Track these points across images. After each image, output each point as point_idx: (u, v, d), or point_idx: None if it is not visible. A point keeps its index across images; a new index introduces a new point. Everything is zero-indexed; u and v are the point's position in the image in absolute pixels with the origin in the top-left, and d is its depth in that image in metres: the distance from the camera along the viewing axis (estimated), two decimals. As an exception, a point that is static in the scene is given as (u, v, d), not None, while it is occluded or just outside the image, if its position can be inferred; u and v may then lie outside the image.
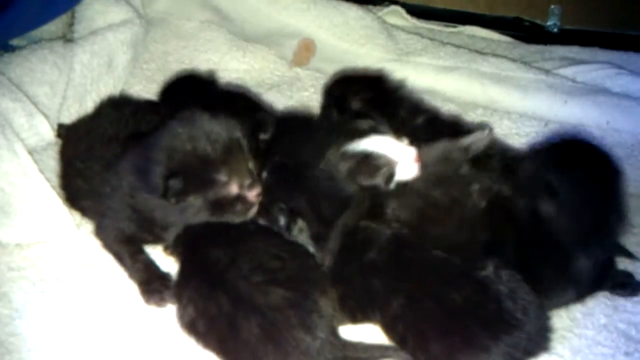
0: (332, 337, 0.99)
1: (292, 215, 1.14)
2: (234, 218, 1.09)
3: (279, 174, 1.21)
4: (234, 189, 1.08)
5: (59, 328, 1.06)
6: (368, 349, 1.05)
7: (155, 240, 1.17)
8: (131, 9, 1.64)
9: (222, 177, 1.06)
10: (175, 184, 1.03)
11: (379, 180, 1.19)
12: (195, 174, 1.05)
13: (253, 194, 1.09)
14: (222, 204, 1.08)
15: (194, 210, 1.07)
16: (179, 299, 1.04)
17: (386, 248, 1.10)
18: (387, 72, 1.54)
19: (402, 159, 1.18)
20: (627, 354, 1.09)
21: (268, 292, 0.98)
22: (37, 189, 1.21)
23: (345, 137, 1.24)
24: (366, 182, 1.19)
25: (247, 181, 1.08)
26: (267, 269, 1.01)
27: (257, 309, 0.96)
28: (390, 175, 1.18)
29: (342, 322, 1.06)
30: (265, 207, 1.15)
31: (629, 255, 1.29)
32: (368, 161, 1.19)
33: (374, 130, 1.25)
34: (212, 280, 1.01)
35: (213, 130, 1.07)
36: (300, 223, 1.15)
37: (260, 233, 1.13)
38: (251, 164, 1.11)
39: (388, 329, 1.06)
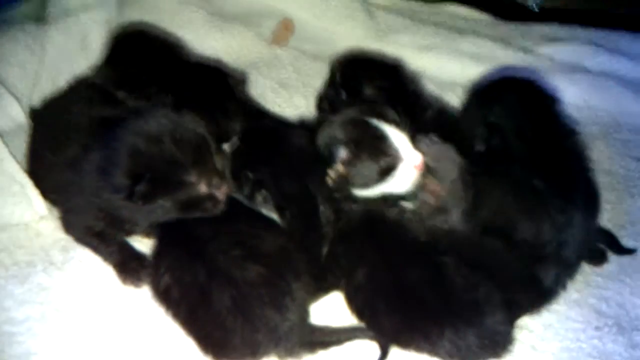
0: (301, 322, 1.01)
1: (256, 185, 1.14)
2: (202, 215, 1.08)
3: (249, 142, 1.21)
4: (202, 188, 1.06)
5: (33, 313, 1.06)
6: (335, 332, 1.06)
7: (127, 234, 1.17)
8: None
9: (191, 178, 1.05)
10: (141, 187, 1.02)
11: (374, 167, 1.16)
12: (163, 176, 1.04)
13: (221, 192, 1.08)
14: (191, 204, 1.07)
15: (163, 210, 1.06)
16: (156, 268, 1.04)
17: (357, 220, 1.12)
18: (403, 63, 1.50)
19: (408, 162, 1.17)
20: (597, 328, 1.11)
21: (245, 267, 0.99)
22: (8, 172, 1.20)
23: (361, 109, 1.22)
24: (362, 161, 1.16)
25: (216, 180, 1.07)
26: (247, 245, 1.02)
27: (232, 281, 0.97)
28: (388, 169, 1.16)
29: (313, 301, 1.07)
30: (232, 174, 1.15)
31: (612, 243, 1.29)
32: (378, 142, 1.17)
33: (395, 122, 1.20)
34: (191, 252, 1.02)
35: (179, 130, 1.05)
36: (264, 193, 1.14)
37: (243, 212, 1.13)
38: (219, 161, 1.10)
39: (349, 300, 1.08)
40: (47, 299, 1.08)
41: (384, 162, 1.16)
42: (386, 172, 1.16)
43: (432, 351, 1.01)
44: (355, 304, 1.07)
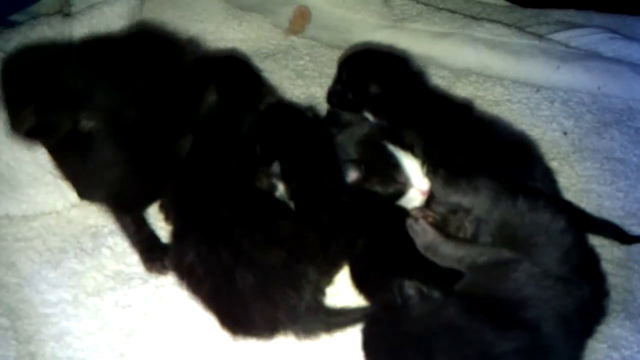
0: (318, 302, 1.08)
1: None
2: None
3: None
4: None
5: (66, 295, 1.13)
6: (351, 313, 1.11)
7: None
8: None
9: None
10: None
11: (382, 189, 1.22)
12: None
13: None
14: None
15: None
16: (180, 245, 1.11)
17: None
18: (410, 57, 1.51)
19: (415, 189, 1.21)
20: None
21: (268, 250, 1.06)
22: (41, 163, 1.26)
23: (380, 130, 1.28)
24: (372, 183, 1.22)
25: None
26: (268, 230, 1.09)
27: (255, 264, 1.04)
28: (398, 194, 1.22)
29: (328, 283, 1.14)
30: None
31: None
32: (390, 169, 1.22)
33: (410, 148, 1.26)
34: (216, 235, 1.08)
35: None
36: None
37: (265, 197, 1.20)
38: None
39: (350, 271, 1.15)
40: (78, 283, 1.15)
41: (392, 188, 1.22)
42: (393, 195, 1.22)
43: None
44: (355, 275, 1.13)
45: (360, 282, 1.13)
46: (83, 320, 1.09)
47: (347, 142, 1.27)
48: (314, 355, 1.07)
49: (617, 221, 1.33)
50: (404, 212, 1.17)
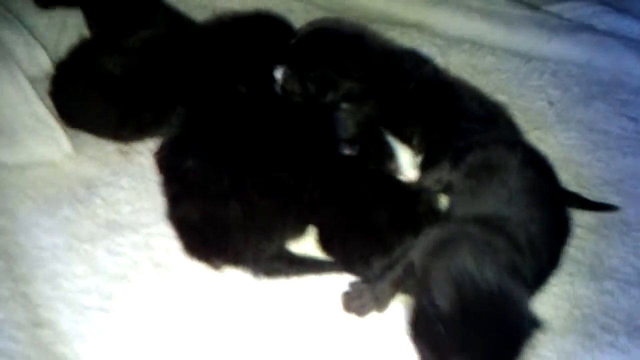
0: (281, 251, 1.15)
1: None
2: None
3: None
4: None
5: (59, 241, 1.18)
6: (313, 263, 1.17)
7: None
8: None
9: None
10: None
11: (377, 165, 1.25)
12: None
13: None
14: None
15: None
16: (178, 149, 1.19)
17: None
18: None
19: (405, 175, 1.25)
20: (570, 274, 1.19)
21: (262, 196, 1.12)
22: (38, 114, 1.32)
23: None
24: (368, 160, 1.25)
25: None
26: (271, 176, 1.15)
27: (248, 202, 1.11)
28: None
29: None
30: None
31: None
32: (383, 155, 1.24)
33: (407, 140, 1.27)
34: (223, 160, 1.15)
35: None
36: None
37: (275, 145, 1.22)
38: None
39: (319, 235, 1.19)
40: (71, 230, 1.19)
41: (385, 167, 1.25)
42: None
43: None
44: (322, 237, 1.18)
45: (326, 244, 1.18)
46: (74, 265, 1.14)
47: (348, 119, 1.28)
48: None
49: (594, 189, 1.38)
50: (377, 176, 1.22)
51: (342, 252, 1.14)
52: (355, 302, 1.08)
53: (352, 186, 1.19)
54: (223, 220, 1.10)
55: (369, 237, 1.12)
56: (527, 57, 1.72)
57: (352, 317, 1.09)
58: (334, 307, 1.10)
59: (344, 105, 1.29)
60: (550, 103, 1.59)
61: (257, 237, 1.10)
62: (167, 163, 1.19)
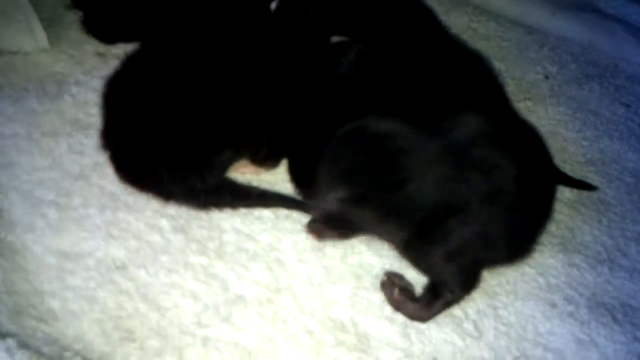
0: (221, 182, 1.09)
1: None
2: None
3: None
4: None
5: (21, 131, 1.11)
6: (263, 194, 1.11)
7: None
8: None
9: None
10: None
11: None
12: None
13: None
14: None
15: None
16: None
17: None
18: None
19: None
20: (541, 244, 1.18)
21: (190, 125, 1.04)
22: (17, 2, 1.24)
23: None
24: None
25: None
26: (202, 102, 1.05)
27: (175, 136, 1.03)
28: None
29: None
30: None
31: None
32: None
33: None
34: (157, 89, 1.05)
35: None
36: None
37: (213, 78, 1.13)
38: None
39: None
40: (35, 122, 1.13)
41: None
42: None
43: None
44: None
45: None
46: (34, 157, 1.08)
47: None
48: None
49: (576, 166, 1.37)
50: None
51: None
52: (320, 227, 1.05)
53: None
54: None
55: None
56: (529, 29, 1.69)
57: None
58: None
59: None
60: (546, 77, 1.57)
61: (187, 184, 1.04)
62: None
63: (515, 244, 1.06)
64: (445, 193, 0.94)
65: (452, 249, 0.97)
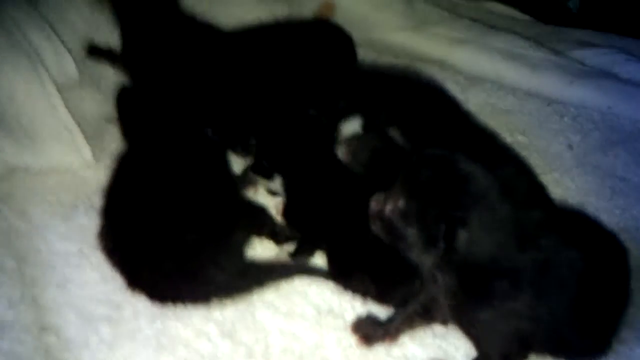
0: (243, 266, 1.12)
1: None
2: None
3: None
4: None
5: (72, 247, 1.18)
6: (283, 267, 1.16)
7: None
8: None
9: None
10: None
11: None
12: None
13: None
14: None
15: None
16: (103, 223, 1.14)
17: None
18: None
19: None
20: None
21: (188, 230, 1.08)
22: (61, 120, 1.34)
23: None
24: None
25: None
26: (192, 208, 1.11)
27: (175, 245, 1.07)
28: None
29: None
30: None
31: None
32: None
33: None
34: (136, 210, 1.11)
35: None
36: None
37: (200, 171, 1.19)
38: None
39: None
40: (85, 238, 1.19)
41: None
42: None
43: None
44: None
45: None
46: (85, 272, 1.13)
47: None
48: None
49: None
50: None
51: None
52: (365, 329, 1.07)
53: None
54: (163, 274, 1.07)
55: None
56: (548, 100, 1.73)
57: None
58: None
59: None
60: (570, 147, 1.60)
61: (205, 273, 1.07)
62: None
63: (579, 337, 1.02)
64: (502, 254, 0.93)
65: (499, 315, 0.95)
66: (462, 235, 0.89)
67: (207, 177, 1.18)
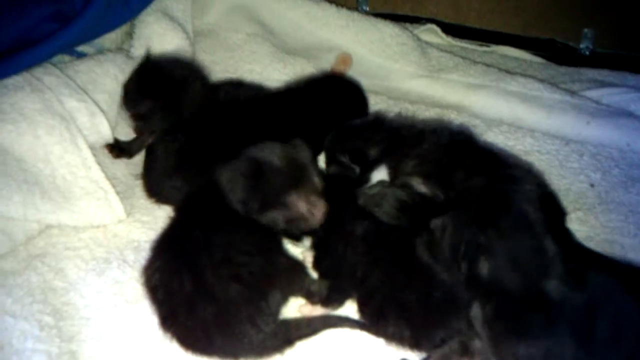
0: (275, 327, 1.13)
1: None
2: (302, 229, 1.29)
3: None
4: (302, 207, 1.24)
5: (107, 302, 1.21)
6: (311, 322, 1.17)
7: None
8: (185, 35, 1.78)
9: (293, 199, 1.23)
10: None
11: None
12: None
13: (318, 210, 1.26)
14: (291, 220, 1.25)
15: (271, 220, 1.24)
16: (151, 261, 1.18)
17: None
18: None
19: None
20: None
21: (229, 286, 1.10)
22: (95, 179, 1.38)
23: None
24: None
25: (314, 198, 1.26)
26: (234, 263, 1.13)
27: (215, 299, 1.09)
28: None
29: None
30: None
31: None
32: None
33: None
34: (183, 259, 1.14)
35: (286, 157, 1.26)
36: None
37: (242, 225, 1.23)
38: (318, 182, 1.29)
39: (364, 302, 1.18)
40: (119, 292, 1.23)
41: None
42: None
43: None
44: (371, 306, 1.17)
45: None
46: (121, 326, 1.16)
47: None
48: None
49: (640, 272, 1.36)
50: None
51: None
52: None
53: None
54: (197, 322, 1.09)
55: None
56: (565, 140, 1.75)
57: None
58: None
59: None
60: (591, 185, 1.60)
61: (241, 330, 1.09)
62: (146, 279, 1.18)
63: None
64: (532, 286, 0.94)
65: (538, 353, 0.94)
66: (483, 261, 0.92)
67: (253, 228, 1.22)
